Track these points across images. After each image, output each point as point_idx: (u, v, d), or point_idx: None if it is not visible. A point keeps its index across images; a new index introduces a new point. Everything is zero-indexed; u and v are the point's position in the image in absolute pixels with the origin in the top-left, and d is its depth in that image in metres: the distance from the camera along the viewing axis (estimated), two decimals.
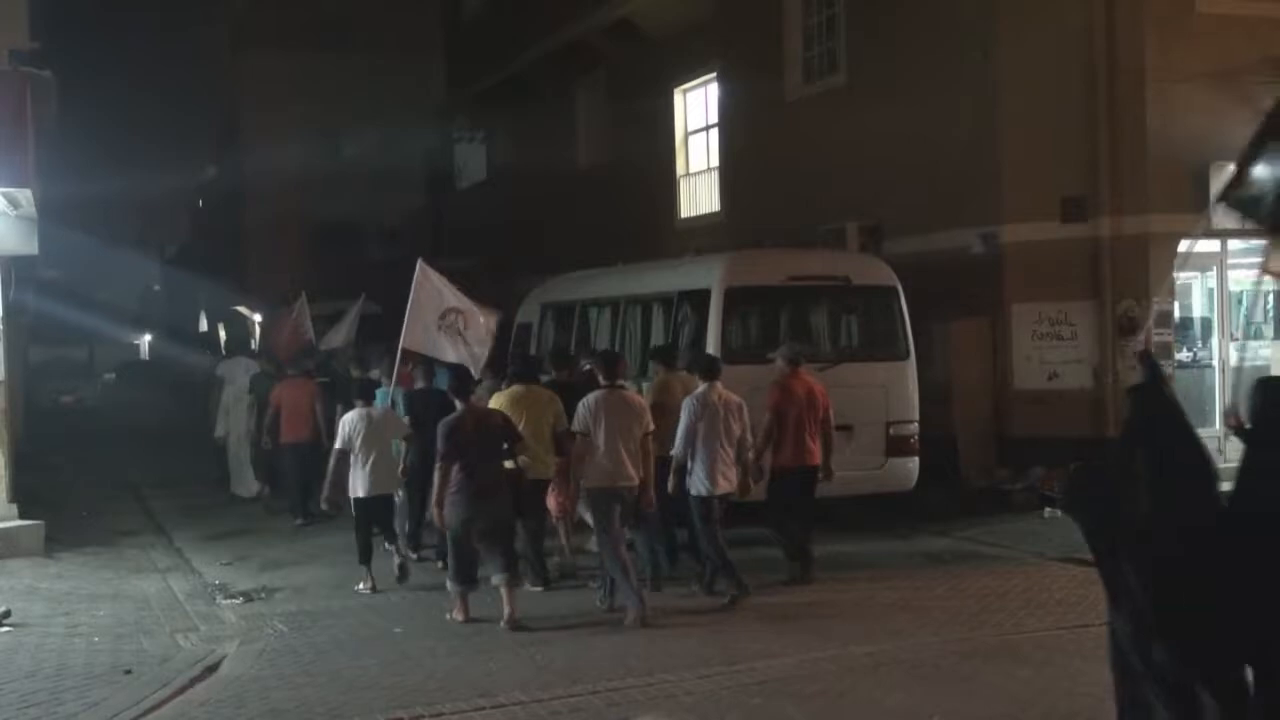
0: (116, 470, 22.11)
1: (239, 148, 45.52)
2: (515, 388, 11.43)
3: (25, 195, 12.95)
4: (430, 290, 12.99)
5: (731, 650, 9.20)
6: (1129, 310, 15.46)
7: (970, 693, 8.15)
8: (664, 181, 23.26)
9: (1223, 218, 5.65)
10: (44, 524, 13.79)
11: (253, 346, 31.70)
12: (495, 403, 11.23)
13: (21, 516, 13.75)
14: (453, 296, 12.95)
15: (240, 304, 45.74)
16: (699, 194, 22.81)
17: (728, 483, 10.97)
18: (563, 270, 18.76)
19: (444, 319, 12.92)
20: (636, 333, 15.13)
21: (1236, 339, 16.36)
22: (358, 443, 11.66)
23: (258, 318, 41.29)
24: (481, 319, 12.80)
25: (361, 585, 11.88)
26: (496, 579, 10.23)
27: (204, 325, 56.61)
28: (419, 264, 13.11)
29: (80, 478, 20.95)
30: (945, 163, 16.12)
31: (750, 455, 11.25)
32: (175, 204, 63.15)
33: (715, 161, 22.18)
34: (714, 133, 22.24)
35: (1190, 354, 16.45)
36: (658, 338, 14.58)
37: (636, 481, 10.41)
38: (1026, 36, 15.61)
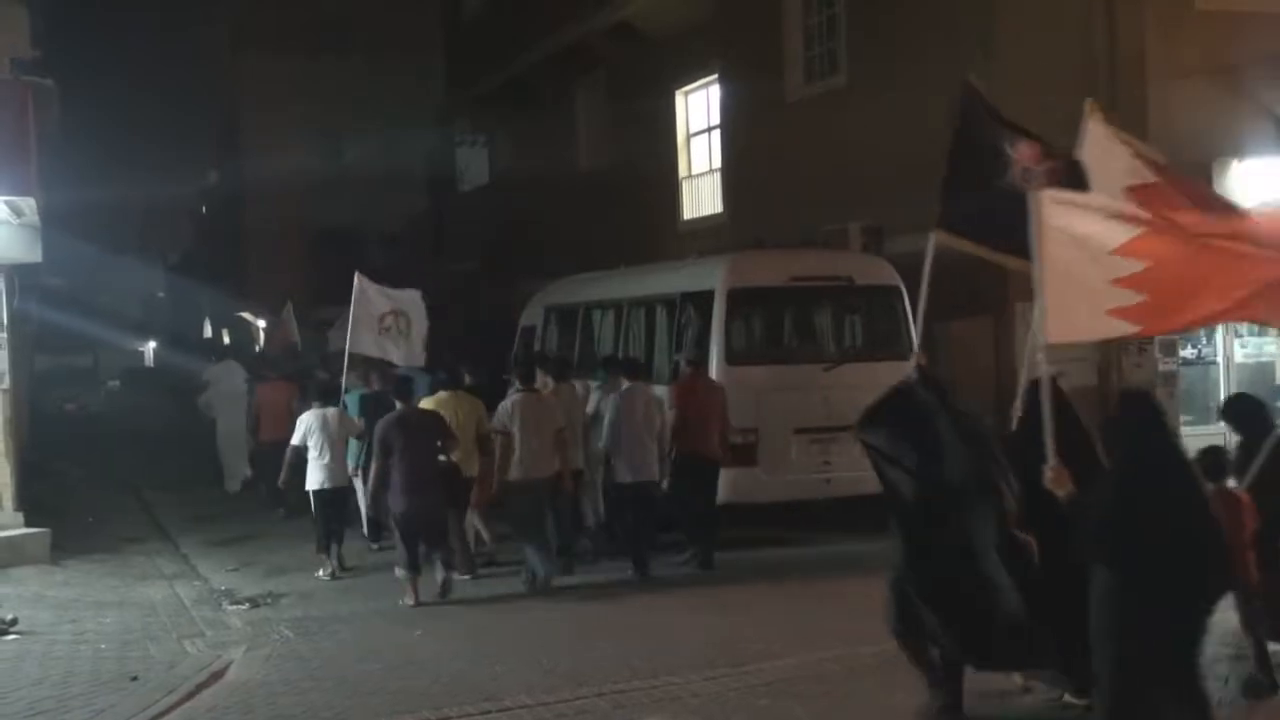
0: (122, 477, 22.13)
1: (240, 152, 45.54)
2: (441, 394, 12.42)
3: (28, 203, 12.98)
4: (366, 300, 14.31)
5: (737, 652, 9.20)
6: None
7: (978, 693, 8.13)
8: (666, 183, 23.25)
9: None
10: (50, 531, 13.82)
11: (257, 350, 31.80)
12: (426, 405, 12.20)
13: (28, 524, 13.79)
14: (387, 302, 14.25)
15: (243, 309, 45.77)
16: (701, 196, 22.81)
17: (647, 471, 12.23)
18: (565, 273, 18.77)
19: (383, 322, 14.40)
20: (640, 335, 15.13)
21: (1241, 335, 16.34)
22: (311, 440, 12.69)
23: (261, 323, 41.32)
24: (416, 324, 14.18)
25: (321, 572, 12.83)
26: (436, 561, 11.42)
27: (208, 331, 56.65)
28: (356, 276, 14.53)
29: (86, 485, 20.98)
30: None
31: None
32: (177, 210, 63.21)
33: (717, 163, 22.18)
34: (716, 134, 22.23)
35: (1194, 350, 16.42)
36: (661, 340, 14.60)
37: (553, 472, 11.69)
38: (1026, 34, 15.59)
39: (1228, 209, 7.67)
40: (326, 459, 12.72)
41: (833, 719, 7.83)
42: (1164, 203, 7.01)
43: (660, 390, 13.03)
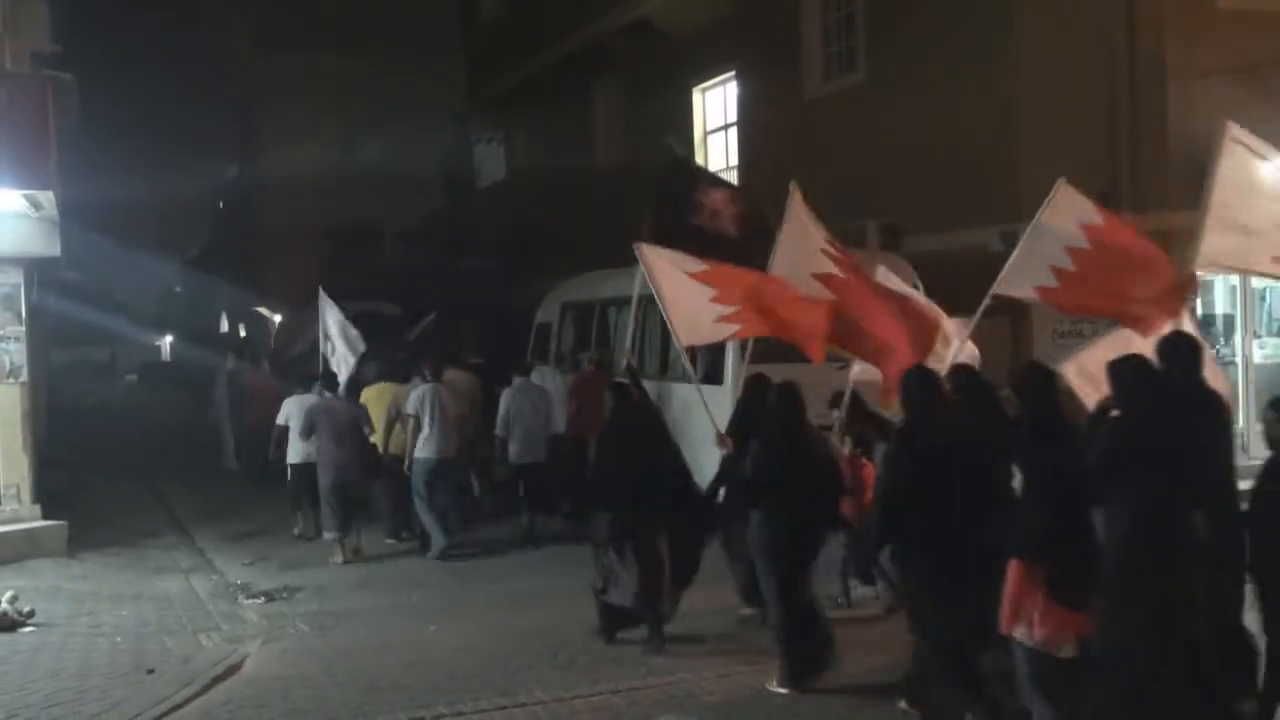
0: (139, 470, 22.20)
1: (258, 148, 45.61)
2: (380, 384, 14.94)
3: (47, 197, 13.01)
4: (327, 310, 16.52)
5: (751, 650, 9.18)
6: None
7: None
8: None
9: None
10: (67, 524, 13.87)
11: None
12: (364, 396, 14.66)
13: (45, 517, 13.83)
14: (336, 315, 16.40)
15: (260, 305, 45.84)
16: None
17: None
18: (581, 270, 18.75)
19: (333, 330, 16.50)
20: (656, 332, 15.11)
21: (1259, 336, 16.27)
22: (291, 421, 14.51)
23: (278, 318, 41.39)
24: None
25: (296, 530, 14.86)
26: (338, 535, 13.58)
27: (224, 326, 56.76)
28: (320, 293, 16.66)
29: (103, 478, 21.04)
30: (965, 160, 16.05)
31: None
32: (196, 205, 63.26)
33: (734, 160, 22.14)
34: (733, 132, 22.20)
35: (1213, 351, 16.34)
36: None
37: (454, 453, 13.92)
38: (1046, 33, 15.53)
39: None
40: (299, 439, 14.41)
41: (845, 717, 7.81)
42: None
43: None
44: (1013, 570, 6.42)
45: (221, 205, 59.98)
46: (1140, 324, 8.52)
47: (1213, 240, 8.15)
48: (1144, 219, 15.39)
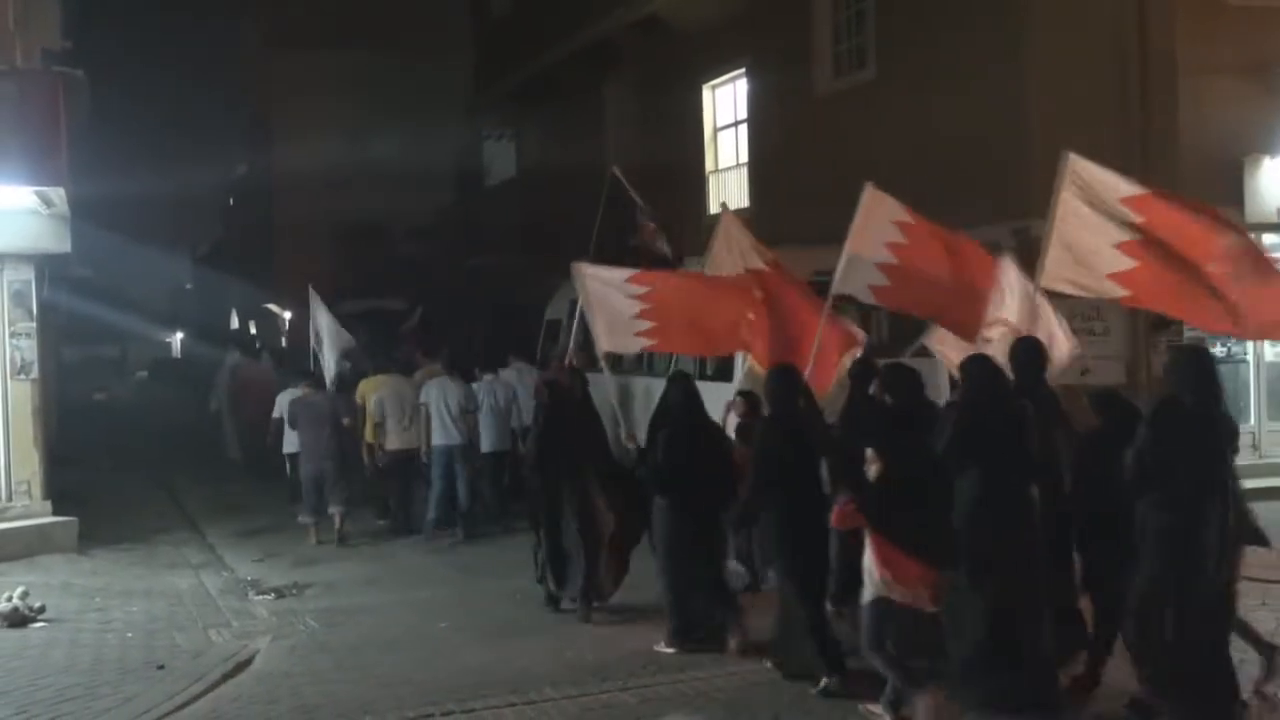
0: (149, 467, 22.27)
1: (269, 144, 45.66)
2: (377, 377, 15.52)
3: (58, 194, 13.04)
4: (320, 313, 17.38)
5: (760, 647, 9.17)
6: None
7: None
8: (693, 177, 23.20)
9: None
10: (78, 520, 13.90)
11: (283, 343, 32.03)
12: (361, 388, 15.40)
13: (56, 513, 13.87)
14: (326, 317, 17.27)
15: (271, 301, 45.92)
16: (728, 190, 22.74)
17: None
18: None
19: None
20: None
21: None
22: (287, 415, 15.28)
23: (288, 315, 41.44)
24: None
25: (300, 518, 15.07)
26: (333, 509, 14.51)
27: (235, 323, 56.87)
28: (310, 292, 17.36)
29: (113, 474, 21.11)
30: (976, 157, 16.01)
31: None
32: (206, 202, 63.40)
33: (744, 157, 22.12)
34: (743, 128, 22.17)
35: (1224, 349, 16.31)
36: None
37: (417, 446, 14.61)
38: (1058, 30, 15.49)
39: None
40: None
41: (857, 715, 7.80)
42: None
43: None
44: (869, 536, 7.33)
45: (232, 202, 60.09)
46: (960, 328, 9.53)
47: (1055, 258, 8.82)
48: None
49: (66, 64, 15.87)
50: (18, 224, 13.27)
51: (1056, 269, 8.85)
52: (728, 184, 22.77)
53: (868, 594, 7.33)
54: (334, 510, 14.53)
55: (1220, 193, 15.09)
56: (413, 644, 9.84)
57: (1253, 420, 16.07)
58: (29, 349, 13.79)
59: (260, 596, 11.93)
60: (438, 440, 14.42)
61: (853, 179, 17.71)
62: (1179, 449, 6.65)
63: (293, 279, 40.93)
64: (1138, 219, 8.57)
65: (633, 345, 10.88)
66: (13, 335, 13.72)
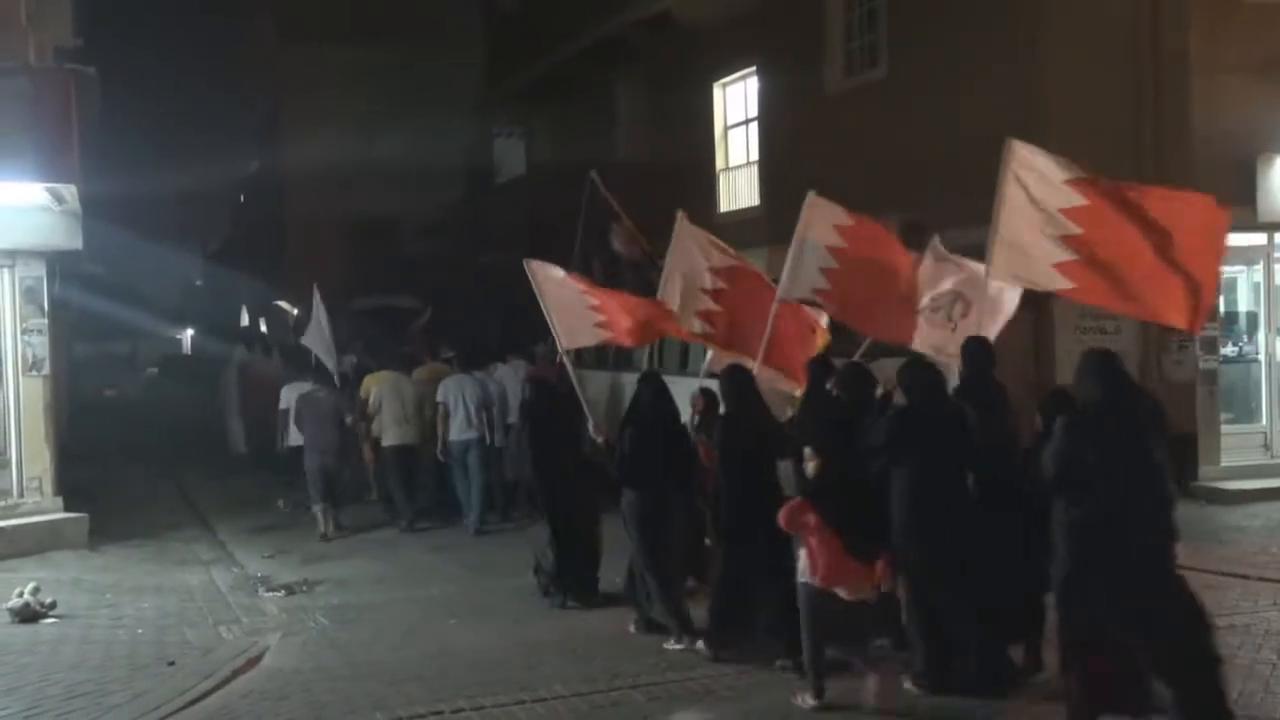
0: (160, 463, 22.31)
1: (280, 141, 45.70)
2: (381, 373, 15.91)
3: (70, 191, 13.07)
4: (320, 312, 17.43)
5: (769, 647, 9.16)
6: None
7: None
8: (703, 176, 23.18)
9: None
10: (89, 516, 13.93)
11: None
12: (366, 384, 15.78)
13: (67, 509, 13.90)
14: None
15: (281, 298, 45.97)
16: (738, 188, 22.73)
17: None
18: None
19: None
20: None
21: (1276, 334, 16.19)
22: (293, 410, 15.68)
23: (296, 312, 41.50)
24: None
25: (280, 502, 16.36)
26: (316, 506, 14.88)
27: (245, 319, 56.91)
28: (314, 290, 17.31)
29: (124, 470, 21.15)
30: (988, 156, 15.91)
31: None
32: (217, 199, 63.44)
33: (755, 156, 22.10)
34: (754, 127, 22.14)
35: (1236, 349, 16.28)
36: None
37: (412, 440, 15.22)
38: (1070, 28, 15.44)
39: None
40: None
41: (864, 716, 7.79)
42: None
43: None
44: (794, 508, 7.84)
45: (242, 199, 60.14)
46: (893, 333, 9.98)
47: (1001, 252, 8.99)
48: None
49: (78, 61, 15.89)
50: (29, 220, 13.30)
51: (1003, 262, 9.04)
52: (738, 182, 22.76)
53: (803, 575, 7.79)
54: (317, 505, 14.93)
55: (1233, 192, 15.02)
56: (422, 641, 9.85)
57: (1264, 420, 16.03)
58: (41, 345, 13.82)
59: (270, 593, 11.95)
60: (457, 435, 14.78)
61: (864, 177, 17.82)
62: (1090, 447, 6.82)
63: (303, 276, 41.01)
64: (1081, 202, 8.68)
65: (593, 337, 11.19)
66: (24, 331, 13.75)
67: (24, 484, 13.74)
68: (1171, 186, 9.39)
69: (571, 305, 10.68)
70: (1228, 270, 16.04)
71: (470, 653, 9.41)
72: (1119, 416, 6.89)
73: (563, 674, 8.65)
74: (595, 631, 9.90)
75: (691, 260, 11.30)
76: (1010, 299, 9.80)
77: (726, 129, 23.20)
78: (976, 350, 8.79)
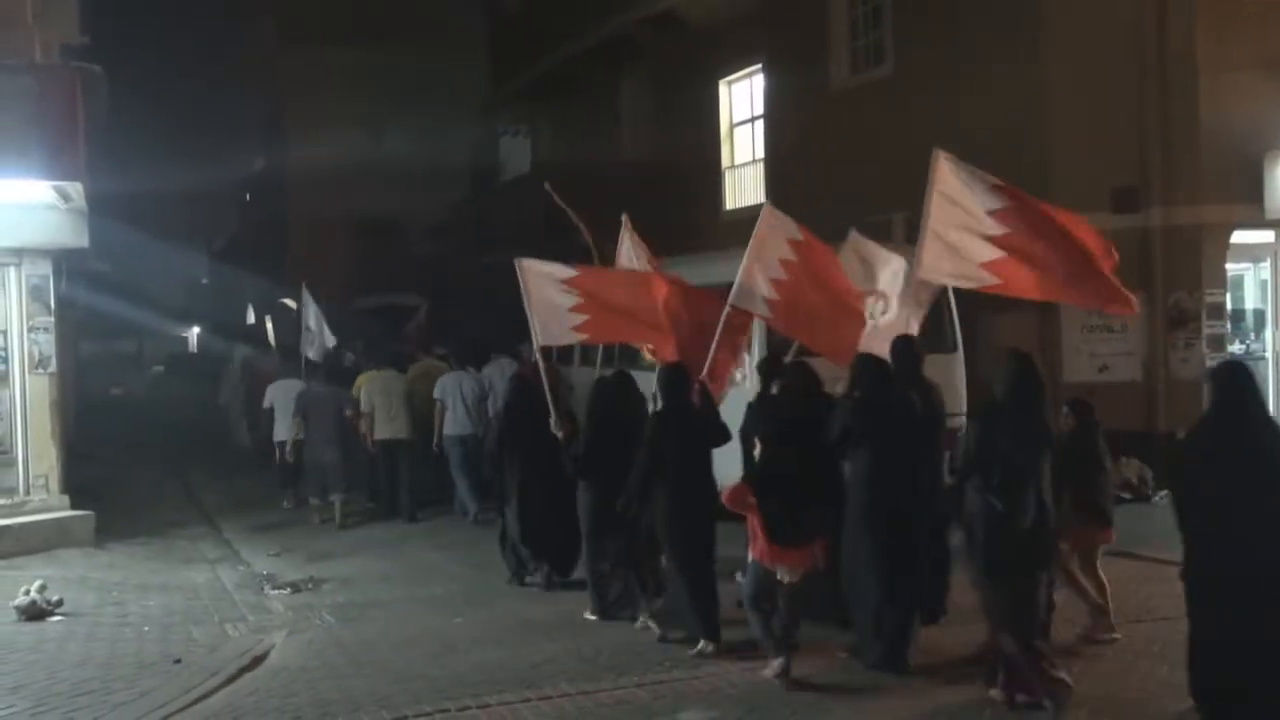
0: (166, 461, 22.33)
1: (285, 140, 45.69)
2: (372, 371, 16.40)
3: (76, 189, 13.06)
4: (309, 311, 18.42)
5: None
6: (1180, 302, 15.30)
7: None
8: (709, 174, 23.18)
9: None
10: (95, 515, 13.94)
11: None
12: (359, 382, 16.23)
13: (73, 507, 13.91)
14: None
15: (286, 297, 45.97)
16: (745, 186, 22.73)
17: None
18: (607, 264, 18.70)
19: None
20: None
21: None
22: (276, 404, 16.55)
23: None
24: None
25: (286, 503, 16.75)
26: (333, 496, 15.53)
27: (251, 318, 56.92)
28: (303, 289, 18.53)
29: (130, 469, 21.17)
30: (993, 153, 15.88)
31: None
32: (223, 197, 63.44)
33: (761, 153, 22.09)
34: (759, 124, 22.14)
35: (1243, 346, 16.25)
36: None
37: (404, 436, 15.70)
38: (1076, 27, 15.43)
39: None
40: (285, 418, 16.33)
41: (874, 714, 7.78)
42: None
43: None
44: (737, 490, 8.41)
45: (248, 197, 60.15)
46: (829, 354, 10.17)
47: (931, 251, 9.37)
48: (1173, 213, 15.33)
49: (85, 59, 15.90)
50: (36, 219, 13.31)
51: (934, 261, 9.41)
52: (744, 180, 22.76)
53: (754, 554, 8.31)
54: (334, 498, 15.50)
55: (1240, 190, 15.04)
56: (428, 639, 9.84)
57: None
58: (47, 343, 13.83)
59: (276, 591, 11.95)
60: (452, 430, 15.24)
61: (869, 175, 17.79)
62: (997, 442, 7.47)
63: (307, 275, 40.96)
64: (1004, 204, 9.27)
65: (568, 338, 11.46)
66: (31, 330, 13.76)
67: (30, 482, 13.76)
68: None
69: (552, 304, 10.83)
70: (1234, 268, 16.03)
71: (475, 651, 9.40)
72: (1026, 413, 7.59)
73: (568, 672, 8.64)
74: (600, 629, 9.89)
75: (635, 266, 11.76)
76: (927, 292, 10.32)
77: (732, 127, 23.21)
78: (904, 348, 9.32)
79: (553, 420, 10.89)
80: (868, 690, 8.10)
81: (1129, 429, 14.70)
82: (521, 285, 10.95)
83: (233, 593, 11.86)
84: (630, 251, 11.97)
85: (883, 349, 9.36)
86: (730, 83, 23.05)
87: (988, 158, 16.31)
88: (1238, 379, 7.13)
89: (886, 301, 10.47)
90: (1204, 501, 6.87)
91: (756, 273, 10.07)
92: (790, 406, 9.07)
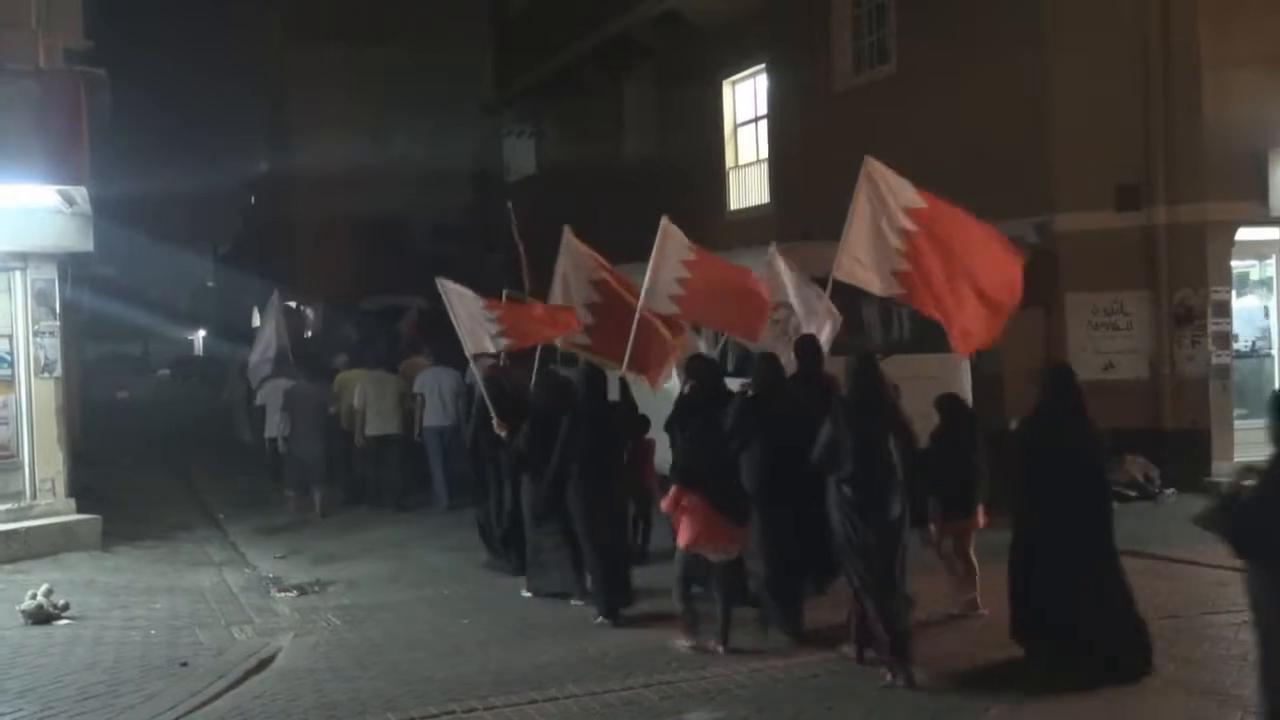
0: (171, 464, 22.35)
1: (289, 142, 45.76)
2: (354, 370, 17.75)
3: (80, 193, 13.07)
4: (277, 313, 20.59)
5: (783, 645, 9.16)
6: (1185, 299, 15.28)
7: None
8: (713, 174, 23.17)
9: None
10: (101, 518, 13.95)
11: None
12: (339, 380, 17.51)
13: (79, 510, 13.92)
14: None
15: (292, 299, 45.99)
16: (748, 186, 22.72)
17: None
18: (611, 263, 18.71)
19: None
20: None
21: None
22: (267, 403, 17.70)
23: (308, 312, 41.53)
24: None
25: (287, 491, 16.96)
26: (314, 490, 16.35)
27: (256, 321, 56.96)
28: (274, 294, 20.55)
29: (136, 472, 21.18)
30: (997, 152, 15.95)
31: None
32: (228, 200, 63.52)
33: (764, 153, 22.08)
34: (763, 124, 22.13)
35: (1249, 344, 16.21)
36: (707, 332, 14.53)
37: (394, 431, 16.78)
38: (1079, 23, 15.41)
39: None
40: (275, 416, 17.31)
41: (879, 713, 7.78)
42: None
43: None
44: (672, 494, 9.12)
45: (253, 199, 60.22)
46: (743, 334, 11.71)
47: (849, 255, 10.31)
48: (1178, 210, 15.30)
49: (88, 63, 15.90)
50: (41, 223, 13.31)
51: (849, 264, 10.29)
52: (748, 180, 22.74)
53: (681, 542, 9.10)
54: (315, 490, 16.43)
55: (1243, 186, 15.01)
56: (434, 641, 9.85)
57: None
58: (52, 347, 13.83)
59: (282, 594, 11.96)
60: (431, 422, 16.32)
61: None
62: (846, 438, 8.32)
63: (314, 276, 41.07)
64: (914, 227, 10.11)
65: (493, 344, 12.38)
66: (36, 334, 13.75)
67: (37, 486, 13.74)
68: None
69: (475, 316, 12.02)
70: (1239, 265, 16.00)
71: (482, 652, 9.41)
72: (870, 412, 8.47)
73: (575, 672, 8.65)
74: (606, 630, 9.89)
75: (577, 275, 12.77)
76: (829, 309, 11.13)
77: (736, 126, 23.19)
78: (807, 346, 10.49)
79: (495, 421, 11.72)
80: (874, 689, 8.10)
81: (1135, 426, 14.69)
82: (446, 302, 12.06)
83: (239, 595, 11.86)
84: (570, 264, 12.84)
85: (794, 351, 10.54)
86: (734, 83, 23.03)
87: (991, 157, 16.45)
88: (1062, 380, 8.66)
89: (793, 313, 11.51)
90: (1033, 479, 8.40)
91: (660, 278, 11.30)
92: (697, 404, 9.73)
